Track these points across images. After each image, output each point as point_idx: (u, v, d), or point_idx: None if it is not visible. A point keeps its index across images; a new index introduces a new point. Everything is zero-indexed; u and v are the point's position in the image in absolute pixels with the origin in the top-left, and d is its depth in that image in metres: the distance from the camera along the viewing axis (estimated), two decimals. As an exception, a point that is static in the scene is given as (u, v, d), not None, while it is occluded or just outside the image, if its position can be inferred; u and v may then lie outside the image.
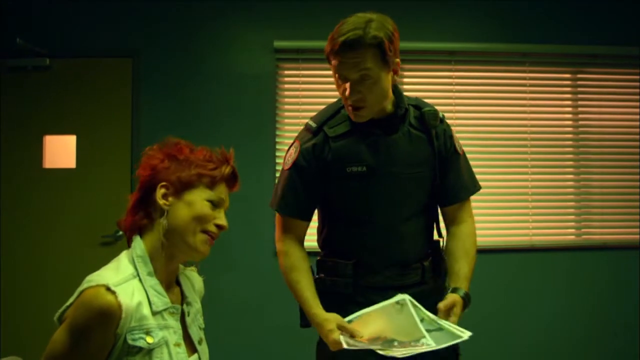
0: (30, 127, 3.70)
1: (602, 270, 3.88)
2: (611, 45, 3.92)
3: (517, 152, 3.89)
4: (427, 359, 1.56)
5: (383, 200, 1.75)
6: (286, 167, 1.78)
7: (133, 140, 3.70)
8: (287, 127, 3.80)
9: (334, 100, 3.72)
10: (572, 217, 3.93)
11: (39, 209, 3.68)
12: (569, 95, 3.98)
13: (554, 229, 3.91)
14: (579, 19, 3.96)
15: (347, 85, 1.62)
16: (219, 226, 1.38)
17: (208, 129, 3.72)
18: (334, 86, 3.93)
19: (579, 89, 3.98)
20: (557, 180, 3.93)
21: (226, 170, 1.40)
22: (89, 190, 3.69)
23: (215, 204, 1.37)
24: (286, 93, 3.83)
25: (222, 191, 1.39)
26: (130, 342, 1.22)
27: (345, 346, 1.49)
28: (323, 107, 1.89)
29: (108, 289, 1.21)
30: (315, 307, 1.66)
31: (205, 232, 1.35)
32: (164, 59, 3.76)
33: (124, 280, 1.25)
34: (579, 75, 3.98)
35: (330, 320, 1.60)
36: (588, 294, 3.86)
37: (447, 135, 1.81)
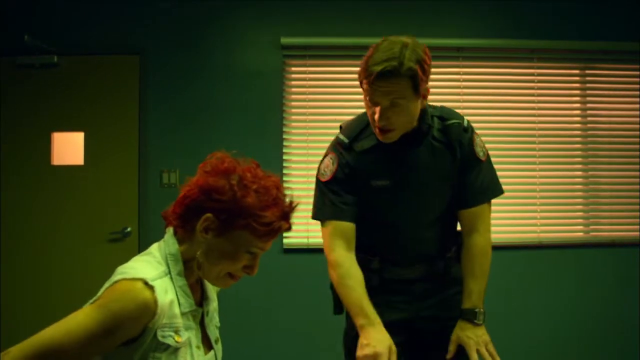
0: (38, 124, 3.72)
1: (610, 268, 3.86)
2: (620, 41, 3.89)
3: (525, 148, 3.88)
4: (436, 343, 1.77)
5: (407, 209, 1.81)
6: (324, 179, 1.81)
7: (141, 137, 3.71)
8: (294, 124, 3.80)
9: (340, 96, 3.71)
10: (580, 214, 3.91)
11: (47, 205, 3.69)
12: (577, 92, 3.95)
13: (562, 225, 3.89)
14: (588, 14, 3.93)
15: (377, 109, 1.63)
16: (248, 272, 1.33)
17: (215, 125, 3.73)
18: (341, 83, 3.96)
19: (588, 85, 3.95)
20: (565, 177, 3.91)
21: (283, 227, 1.29)
22: (97, 187, 3.70)
23: (254, 255, 1.31)
24: (293, 90, 3.82)
25: (267, 244, 1.30)
26: (160, 338, 1.22)
27: None
28: (351, 117, 1.89)
29: (146, 283, 1.19)
30: (369, 314, 1.65)
31: (231, 275, 1.32)
32: (171, 56, 3.76)
33: (159, 276, 1.24)
34: (588, 72, 3.96)
35: (384, 342, 1.61)
36: (596, 291, 3.84)
37: (470, 144, 1.81)
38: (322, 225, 1.82)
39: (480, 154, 1.82)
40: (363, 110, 1.78)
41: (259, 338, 3.66)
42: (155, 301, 1.19)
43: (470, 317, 1.67)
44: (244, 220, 1.24)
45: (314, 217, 1.85)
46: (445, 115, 1.80)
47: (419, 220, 1.83)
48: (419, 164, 1.77)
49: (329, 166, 1.80)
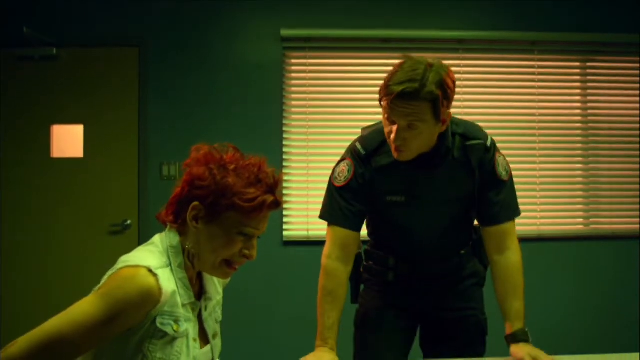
0: (38, 117, 3.71)
1: (610, 260, 3.86)
2: (622, 33, 3.87)
3: (526, 141, 3.87)
4: (454, 333, 1.85)
5: (421, 222, 1.82)
6: (337, 184, 1.80)
7: (140, 130, 3.70)
8: (294, 117, 3.79)
9: (341, 88, 3.70)
10: (581, 206, 3.91)
11: (47, 198, 3.69)
12: (578, 84, 3.94)
13: (562, 218, 3.89)
14: (589, 6, 3.91)
15: (394, 128, 1.61)
16: (245, 256, 1.32)
17: (215, 117, 3.72)
18: (341, 75, 3.95)
19: (589, 78, 3.94)
20: (566, 169, 3.91)
21: (268, 201, 1.28)
22: (97, 180, 3.70)
23: (248, 236, 1.30)
24: (293, 82, 3.81)
25: (258, 222, 1.30)
26: (159, 325, 1.22)
27: None
28: (369, 129, 1.86)
29: (150, 271, 1.20)
30: (328, 338, 1.70)
31: (228, 263, 1.32)
32: (170, 48, 3.75)
33: (161, 266, 1.24)
34: (589, 64, 3.94)
35: (327, 350, 1.67)
36: (596, 283, 3.85)
37: (492, 164, 1.78)
38: (328, 225, 1.83)
39: (503, 174, 1.79)
40: (380, 117, 1.77)
41: (259, 330, 3.67)
42: (160, 288, 1.19)
43: (524, 338, 1.68)
44: (228, 200, 1.25)
45: (322, 217, 1.85)
46: (469, 134, 1.76)
47: (432, 230, 1.84)
48: (436, 183, 1.76)
49: (344, 172, 1.79)
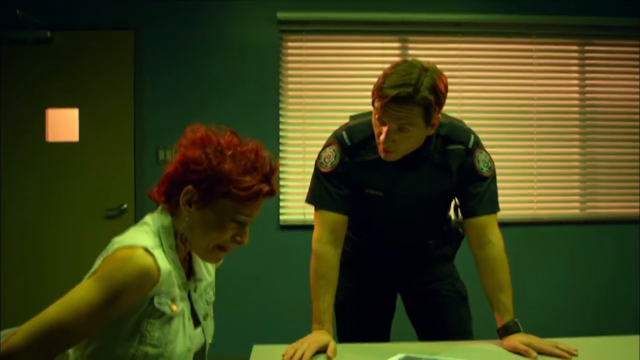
0: (33, 101, 3.68)
1: (606, 244, 3.88)
2: (621, 17, 3.84)
3: (523, 125, 3.87)
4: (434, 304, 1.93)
5: (396, 216, 1.86)
6: (323, 170, 1.81)
7: (136, 113, 3.68)
8: (290, 100, 3.78)
9: (338, 72, 3.68)
10: (577, 190, 3.92)
11: (42, 182, 3.68)
12: (576, 68, 3.93)
13: (558, 202, 3.90)
14: (588, -11, 3.89)
15: (384, 129, 1.62)
16: (237, 242, 1.31)
17: (211, 101, 3.70)
18: (338, 59, 3.92)
19: (587, 62, 3.92)
20: (563, 153, 3.91)
21: (263, 190, 1.27)
22: (92, 164, 3.69)
23: (241, 223, 1.29)
24: (290, 65, 3.79)
25: (251, 210, 1.28)
26: (156, 305, 1.22)
27: None
28: (357, 119, 1.86)
29: (147, 250, 1.19)
30: (324, 321, 1.71)
31: (220, 247, 1.31)
32: (166, 31, 3.72)
33: (156, 245, 1.24)
34: (587, 48, 3.93)
35: (323, 333, 1.68)
36: (592, 267, 3.87)
37: (471, 164, 1.78)
38: (315, 210, 1.84)
39: (484, 170, 1.79)
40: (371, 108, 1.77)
41: (255, 314, 3.69)
42: (158, 268, 1.19)
43: (516, 329, 1.68)
44: (224, 187, 1.23)
45: (308, 201, 1.86)
46: (451, 137, 1.76)
47: (405, 223, 1.88)
48: (415, 182, 1.78)
49: (331, 158, 1.80)
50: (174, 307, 1.25)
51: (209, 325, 1.44)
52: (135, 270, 1.16)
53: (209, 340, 1.44)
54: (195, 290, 1.39)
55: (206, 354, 1.44)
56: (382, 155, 1.69)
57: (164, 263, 1.21)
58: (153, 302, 1.21)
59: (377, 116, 1.63)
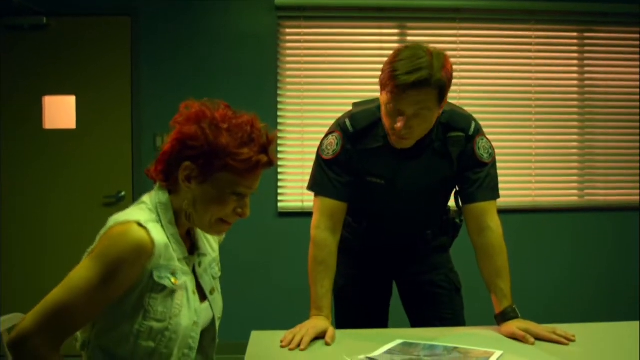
0: (29, 88, 3.66)
1: (604, 231, 3.89)
2: (620, 3, 3.82)
3: (522, 112, 3.86)
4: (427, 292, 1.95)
5: (396, 204, 1.86)
6: (325, 157, 1.81)
7: (133, 99, 3.66)
8: (289, 87, 3.76)
9: (337, 58, 3.66)
10: (575, 177, 3.92)
11: (40, 170, 3.67)
12: (575, 55, 3.91)
13: (557, 189, 3.90)
14: (588, -25, 3.86)
15: (400, 118, 1.61)
16: (239, 214, 1.32)
17: (209, 88, 3.68)
18: (336, 45, 3.90)
19: (586, 48, 3.91)
20: (561, 140, 3.91)
21: (262, 161, 1.27)
22: (90, 151, 3.67)
23: (241, 196, 1.30)
24: (288, 52, 3.77)
25: (251, 181, 1.29)
26: (156, 279, 1.22)
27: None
28: (360, 107, 1.84)
29: (140, 224, 1.20)
30: (323, 307, 1.72)
31: (223, 221, 1.32)
32: (163, 17, 3.69)
33: (151, 220, 1.25)
34: (587, 34, 3.91)
35: (322, 319, 1.68)
36: (590, 254, 3.88)
37: (472, 151, 1.79)
38: (315, 197, 1.84)
39: (485, 157, 1.80)
40: (374, 95, 1.76)
41: (254, 300, 3.70)
42: (152, 241, 1.20)
43: (513, 315, 1.68)
44: (222, 160, 1.24)
45: (310, 188, 1.87)
46: (452, 124, 1.77)
47: (405, 211, 1.88)
48: (416, 171, 1.79)
49: (333, 145, 1.80)
50: (175, 280, 1.26)
51: (217, 299, 1.44)
52: (129, 244, 1.18)
53: (218, 315, 1.44)
54: (199, 265, 1.40)
55: (217, 329, 1.44)
56: (395, 143, 1.70)
57: (158, 236, 1.22)
58: (153, 277, 1.22)
59: (390, 106, 1.61)
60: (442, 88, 1.58)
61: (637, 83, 3.89)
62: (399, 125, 1.62)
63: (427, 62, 1.54)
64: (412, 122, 1.61)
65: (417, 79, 1.52)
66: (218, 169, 1.25)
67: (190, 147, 1.25)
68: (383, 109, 1.67)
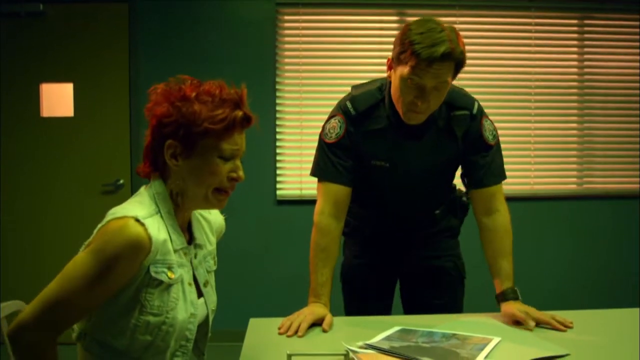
0: (26, 76, 3.64)
1: (603, 219, 3.89)
2: (620, -10, 3.81)
3: (521, 99, 3.85)
4: (433, 279, 1.94)
5: (402, 186, 1.84)
6: (328, 141, 1.79)
7: (131, 87, 3.65)
8: (287, 75, 3.75)
9: (335, 45, 3.64)
10: (574, 165, 3.92)
11: (38, 158, 3.66)
12: (575, 42, 3.89)
13: (556, 177, 3.90)
14: (588, -39, 3.83)
15: (419, 92, 1.59)
16: (233, 179, 1.32)
17: (207, 74, 3.56)
18: (335, 32, 3.88)
19: (586, 36, 3.89)
20: (560, 128, 3.90)
21: (238, 116, 1.27)
22: (88, 139, 3.66)
23: (228, 158, 1.29)
24: (286, 39, 3.75)
25: (234, 140, 1.29)
26: (153, 274, 1.22)
27: None
28: (360, 89, 1.83)
29: (137, 220, 1.20)
30: (321, 294, 1.71)
31: (219, 190, 1.31)
32: (160, 4, 3.66)
33: (150, 214, 1.24)
34: (587, 22, 3.89)
35: (320, 306, 1.68)
36: (589, 242, 3.88)
37: (478, 131, 1.79)
38: (319, 182, 1.82)
39: (490, 138, 1.80)
40: (372, 76, 1.75)
41: (253, 288, 3.71)
42: (150, 237, 1.20)
43: (514, 296, 1.69)
44: (199, 127, 1.24)
45: (313, 174, 1.85)
46: (455, 103, 1.76)
47: (412, 193, 1.86)
48: (420, 151, 1.77)
49: (336, 129, 1.78)
50: (171, 275, 1.26)
51: (209, 292, 1.44)
52: (126, 241, 1.17)
53: (212, 307, 1.44)
54: (195, 256, 1.40)
55: (210, 322, 1.45)
56: (406, 118, 1.68)
57: (156, 232, 1.22)
58: (149, 272, 1.22)
59: (410, 80, 1.58)
60: (460, 61, 1.58)
61: (637, 70, 3.88)
62: (417, 99, 1.60)
63: (447, 36, 1.54)
64: (430, 96, 1.60)
65: (444, 51, 1.51)
66: (199, 137, 1.25)
67: (166, 125, 1.26)
68: (398, 84, 1.63)
